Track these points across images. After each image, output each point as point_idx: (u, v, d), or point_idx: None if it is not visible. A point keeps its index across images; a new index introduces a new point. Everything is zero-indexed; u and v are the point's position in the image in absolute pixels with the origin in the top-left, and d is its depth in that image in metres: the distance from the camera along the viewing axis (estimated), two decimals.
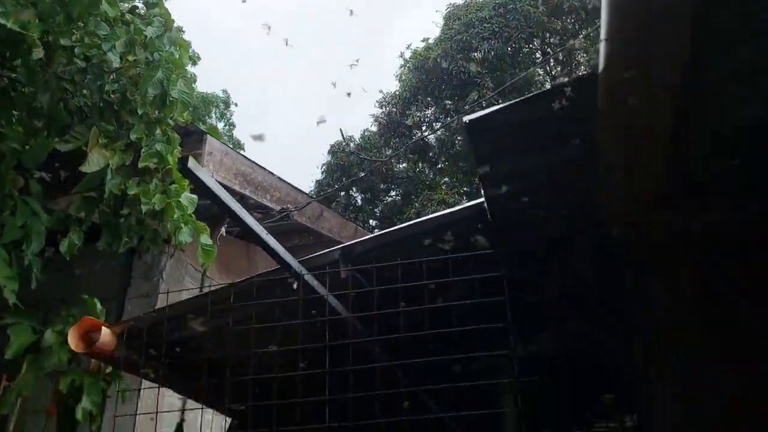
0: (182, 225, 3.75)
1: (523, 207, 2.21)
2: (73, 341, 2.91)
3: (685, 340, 2.29)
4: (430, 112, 17.73)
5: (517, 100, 1.58)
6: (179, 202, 3.75)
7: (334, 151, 18.78)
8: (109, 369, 3.77)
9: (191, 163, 1.84)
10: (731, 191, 2.02)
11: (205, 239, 3.91)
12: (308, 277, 2.49)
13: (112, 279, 6.33)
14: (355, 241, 2.84)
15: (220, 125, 22.75)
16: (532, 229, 2.40)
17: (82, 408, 3.55)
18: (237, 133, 23.32)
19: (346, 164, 17.65)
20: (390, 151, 17.57)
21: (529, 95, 1.63)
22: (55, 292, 6.47)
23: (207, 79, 23.76)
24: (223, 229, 5.27)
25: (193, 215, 3.90)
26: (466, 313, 2.57)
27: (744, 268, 2.29)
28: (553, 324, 3.81)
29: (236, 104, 24.41)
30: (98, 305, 3.75)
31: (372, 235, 2.78)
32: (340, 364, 2.69)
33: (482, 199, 2.69)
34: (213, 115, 22.82)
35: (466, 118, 1.60)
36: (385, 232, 2.83)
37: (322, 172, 18.89)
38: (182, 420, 3.89)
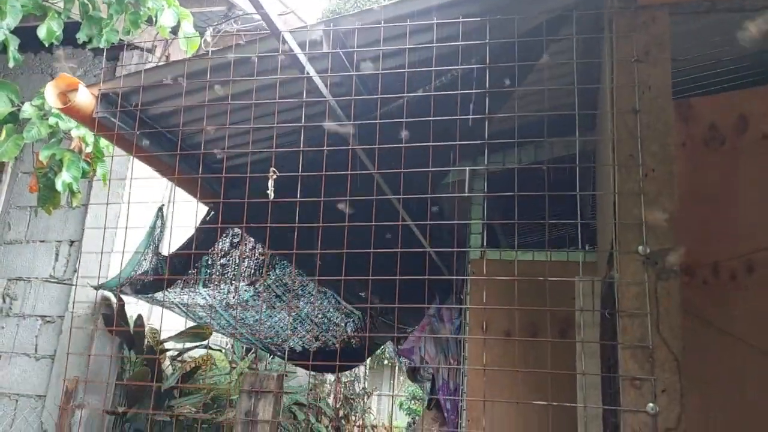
0: (165, 5, 3.60)
1: None
2: (51, 97, 2.89)
3: None
4: None
5: None
6: None
7: None
8: (89, 149, 3.78)
9: None
10: None
11: (188, 26, 3.78)
12: (287, 36, 2.43)
13: None
14: (339, 16, 2.75)
15: None
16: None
17: (63, 180, 3.60)
18: None
19: None
20: None
21: None
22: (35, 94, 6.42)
23: None
24: (208, 34, 5.10)
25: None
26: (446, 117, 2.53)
27: None
28: (526, 141, 3.85)
29: None
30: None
31: (360, 11, 2.68)
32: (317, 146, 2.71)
33: None
34: None
35: None
36: (376, 9, 2.72)
37: None
38: (162, 205, 3.98)
